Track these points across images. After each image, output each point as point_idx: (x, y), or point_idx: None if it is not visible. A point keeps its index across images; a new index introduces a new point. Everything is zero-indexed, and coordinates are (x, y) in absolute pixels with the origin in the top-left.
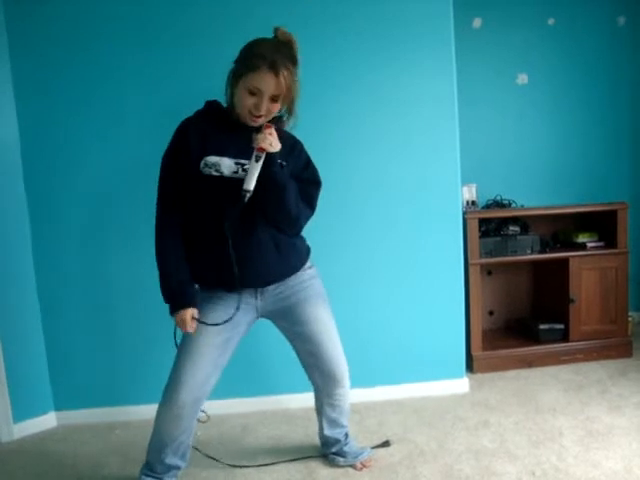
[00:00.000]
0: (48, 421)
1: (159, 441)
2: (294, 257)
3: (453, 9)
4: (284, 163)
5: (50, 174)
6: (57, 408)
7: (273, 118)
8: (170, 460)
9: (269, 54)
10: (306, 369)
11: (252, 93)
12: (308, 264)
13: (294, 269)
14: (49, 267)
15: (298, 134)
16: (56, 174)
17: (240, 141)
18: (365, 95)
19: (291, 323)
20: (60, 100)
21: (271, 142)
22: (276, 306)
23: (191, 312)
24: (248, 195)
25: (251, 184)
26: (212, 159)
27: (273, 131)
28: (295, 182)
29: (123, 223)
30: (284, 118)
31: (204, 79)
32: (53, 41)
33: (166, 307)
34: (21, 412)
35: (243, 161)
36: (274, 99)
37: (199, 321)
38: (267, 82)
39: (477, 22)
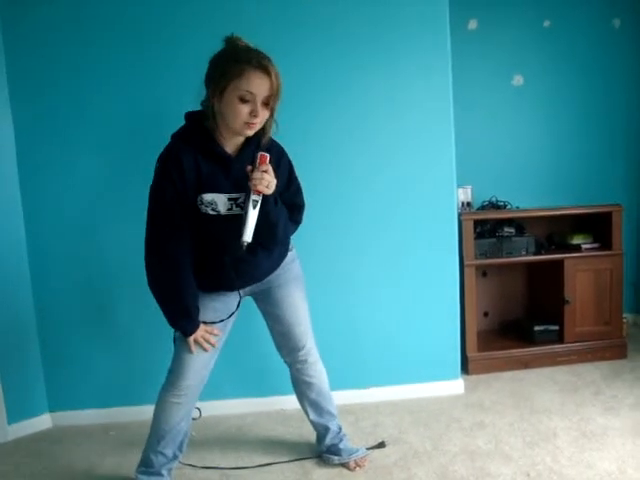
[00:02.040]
0: (43, 422)
1: (158, 429)
2: (283, 254)
3: (449, 10)
4: (277, 197)
5: (45, 175)
6: (52, 409)
7: (264, 134)
8: (168, 450)
9: (253, 55)
10: (277, 347)
11: (244, 100)
12: (289, 245)
13: (281, 261)
14: (44, 268)
15: (293, 136)
16: (51, 175)
17: (230, 174)
18: (360, 96)
19: (268, 304)
20: (55, 100)
21: (268, 183)
22: (258, 288)
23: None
24: (246, 244)
25: (249, 234)
26: (208, 197)
27: (269, 167)
28: (284, 207)
29: (119, 224)
30: (270, 127)
31: (197, 80)
32: (48, 43)
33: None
34: (15, 413)
35: (235, 195)
36: (266, 103)
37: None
38: (259, 83)
39: (473, 23)
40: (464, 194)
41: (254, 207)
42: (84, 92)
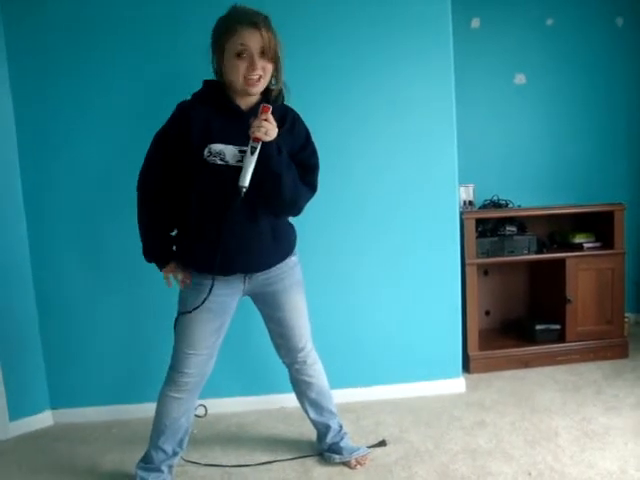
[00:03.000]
0: (44, 419)
1: (159, 424)
2: (286, 245)
3: (451, 9)
4: (281, 147)
5: (47, 171)
6: (53, 406)
7: (270, 94)
8: (167, 446)
9: (244, 16)
10: (275, 348)
11: (240, 55)
12: (294, 251)
13: (284, 256)
14: (46, 264)
15: None
16: (53, 171)
17: (243, 128)
18: (362, 95)
19: (269, 307)
20: (57, 97)
21: (267, 130)
22: (260, 290)
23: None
24: (244, 190)
25: (246, 179)
26: (217, 147)
27: (269, 116)
28: (293, 164)
29: (121, 220)
30: (281, 91)
31: (200, 76)
32: (50, 39)
33: (164, 305)
34: (17, 410)
35: (246, 148)
36: (263, 55)
37: (186, 312)
38: (250, 36)
39: (475, 22)
40: (466, 193)
41: (252, 153)
42: (86, 87)
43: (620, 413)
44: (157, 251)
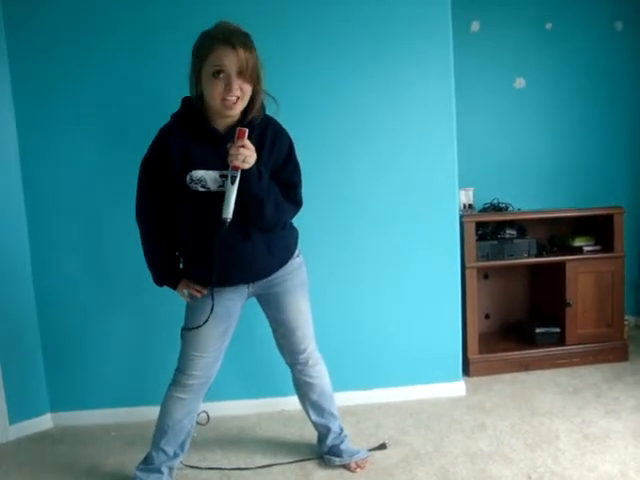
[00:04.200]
0: (44, 422)
1: (162, 425)
2: (284, 252)
3: (451, 12)
4: (262, 169)
5: (47, 172)
6: (53, 409)
7: (250, 112)
8: (169, 448)
9: (220, 34)
10: (278, 348)
11: (217, 74)
12: (296, 252)
13: (284, 262)
14: (46, 267)
15: (295, 139)
16: (53, 172)
17: (222, 152)
18: (362, 98)
19: (273, 309)
20: (58, 98)
21: (244, 158)
22: (264, 291)
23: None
24: (228, 221)
25: (229, 211)
26: (198, 174)
27: (246, 141)
28: (275, 184)
29: (123, 221)
30: (261, 104)
31: None
32: (51, 39)
33: (165, 309)
34: (17, 413)
35: (227, 172)
36: (241, 76)
37: (193, 328)
38: (226, 56)
39: (475, 26)
40: (466, 196)
41: (232, 183)
42: (86, 88)
43: (620, 416)
44: (166, 277)
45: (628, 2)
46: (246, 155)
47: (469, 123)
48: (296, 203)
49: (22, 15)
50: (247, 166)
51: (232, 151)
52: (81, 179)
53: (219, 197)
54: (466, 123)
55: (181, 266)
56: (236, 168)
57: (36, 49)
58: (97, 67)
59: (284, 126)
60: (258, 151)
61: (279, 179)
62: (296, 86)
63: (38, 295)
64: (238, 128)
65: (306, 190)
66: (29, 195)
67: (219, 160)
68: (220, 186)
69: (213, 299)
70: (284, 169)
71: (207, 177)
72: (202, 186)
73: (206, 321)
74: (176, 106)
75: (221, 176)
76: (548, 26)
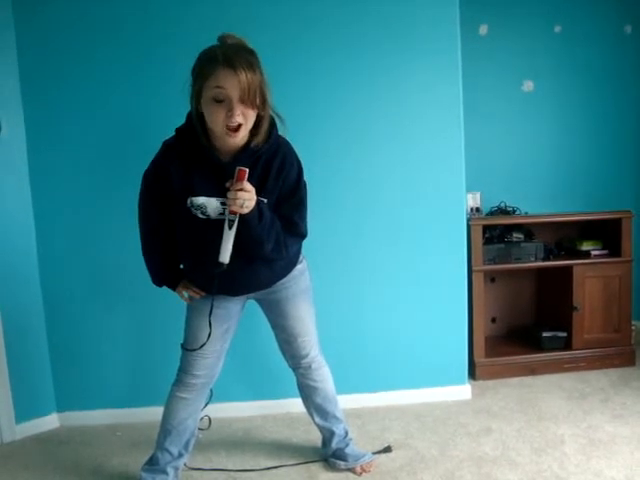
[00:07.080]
0: (50, 422)
1: (166, 425)
2: (287, 269)
3: (459, 16)
4: (263, 207)
5: (55, 172)
6: (59, 409)
7: (253, 138)
8: (173, 448)
9: (220, 55)
10: (281, 351)
11: (218, 100)
12: (299, 258)
13: (285, 275)
14: (53, 270)
15: (300, 142)
16: (61, 172)
17: (225, 179)
18: (370, 101)
19: (274, 314)
20: (66, 97)
21: (243, 202)
22: (264, 297)
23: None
24: (225, 266)
25: (227, 255)
26: (199, 200)
27: (245, 184)
28: (277, 219)
29: (128, 222)
30: (268, 126)
31: None
32: (61, 37)
33: (171, 310)
34: (23, 413)
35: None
36: (243, 101)
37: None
38: (227, 80)
39: (483, 29)
40: (473, 199)
41: (230, 227)
42: (96, 93)
43: (627, 421)
44: (164, 278)
45: (638, 6)
46: (245, 199)
47: (477, 126)
48: (299, 235)
49: (32, 10)
50: (246, 211)
51: (230, 194)
52: (88, 179)
53: (219, 225)
54: (474, 126)
55: (181, 266)
56: (234, 213)
57: (46, 45)
58: (108, 69)
59: (288, 133)
60: (263, 180)
61: (281, 212)
62: (299, 89)
63: (45, 296)
64: (238, 168)
65: (313, 194)
66: (37, 197)
67: (221, 187)
68: (221, 213)
69: (211, 326)
70: (289, 200)
71: (208, 204)
72: (202, 213)
73: (203, 345)
74: (181, 107)
75: (222, 203)
76: (557, 29)
